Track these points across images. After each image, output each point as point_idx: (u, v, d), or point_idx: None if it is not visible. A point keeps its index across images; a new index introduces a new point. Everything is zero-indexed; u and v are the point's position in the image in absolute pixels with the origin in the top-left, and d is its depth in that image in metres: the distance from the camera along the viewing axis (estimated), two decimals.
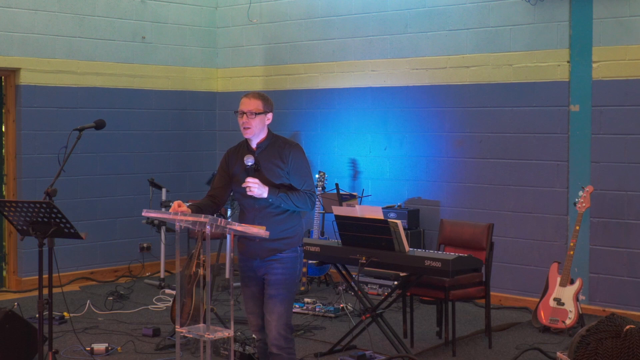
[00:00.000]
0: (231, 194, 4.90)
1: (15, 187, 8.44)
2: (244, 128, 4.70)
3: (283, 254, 4.69)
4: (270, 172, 4.68)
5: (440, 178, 8.21)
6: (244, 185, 4.60)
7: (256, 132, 4.71)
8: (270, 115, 4.76)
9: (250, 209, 4.73)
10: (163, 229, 8.50)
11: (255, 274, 4.76)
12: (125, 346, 6.34)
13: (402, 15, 8.41)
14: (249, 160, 4.64)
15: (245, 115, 4.68)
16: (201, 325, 4.71)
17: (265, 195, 4.59)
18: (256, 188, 4.57)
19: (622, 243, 7.14)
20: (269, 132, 4.80)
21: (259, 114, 4.69)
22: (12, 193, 8.43)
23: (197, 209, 4.63)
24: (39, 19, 8.46)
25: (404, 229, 6.39)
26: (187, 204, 4.62)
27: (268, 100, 4.78)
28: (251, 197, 4.64)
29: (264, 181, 4.64)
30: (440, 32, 8.14)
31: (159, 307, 7.64)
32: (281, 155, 4.70)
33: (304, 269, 8.07)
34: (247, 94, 4.78)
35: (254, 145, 4.75)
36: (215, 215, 4.73)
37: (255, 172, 4.66)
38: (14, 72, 8.40)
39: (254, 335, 5.97)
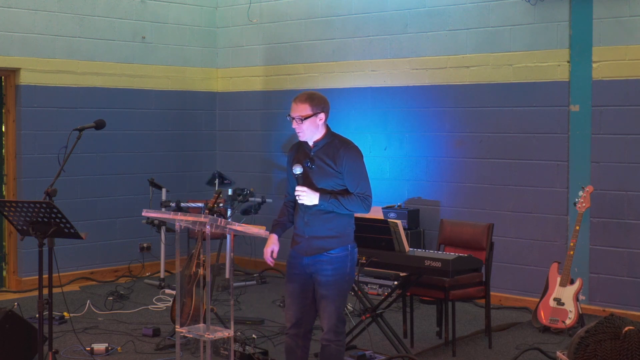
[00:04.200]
0: None
1: (15, 187, 8.44)
2: (297, 132, 4.72)
3: (332, 253, 4.68)
4: (322, 172, 4.69)
5: (440, 178, 8.21)
6: (295, 194, 4.67)
7: (308, 135, 4.72)
8: (322, 115, 4.70)
9: (301, 207, 4.76)
10: (163, 229, 8.49)
11: (303, 271, 4.75)
12: (125, 346, 6.33)
13: (402, 15, 8.41)
14: (297, 169, 4.66)
15: (294, 121, 4.68)
16: (201, 325, 4.72)
17: (316, 201, 4.62)
18: (305, 196, 4.62)
19: (622, 243, 7.14)
20: (327, 130, 4.78)
21: (307, 117, 4.66)
22: (12, 193, 8.43)
23: (282, 228, 4.85)
24: (39, 19, 8.46)
25: (404, 229, 6.39)
26: (275, 231, 4.83)
27: (316, 99, 4.71)
28: None
29: (315, 183, 4.67)
30: (440, 32, 8.14)
31: (159, 307, 7.64)
32: (335, 156, 4.69)
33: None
34: (295, 98, 4.74)
35: (311, 144, 4.77)
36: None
37: (309, 171, 4.69)
38: (14, 72, 8.40)
39: (253, 336, 6.01)
